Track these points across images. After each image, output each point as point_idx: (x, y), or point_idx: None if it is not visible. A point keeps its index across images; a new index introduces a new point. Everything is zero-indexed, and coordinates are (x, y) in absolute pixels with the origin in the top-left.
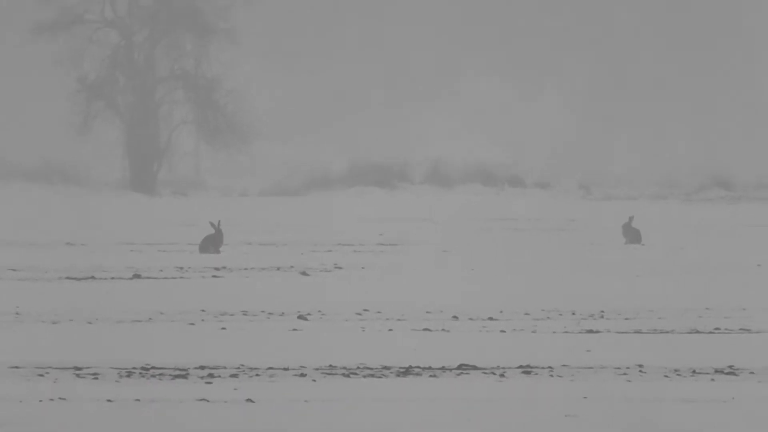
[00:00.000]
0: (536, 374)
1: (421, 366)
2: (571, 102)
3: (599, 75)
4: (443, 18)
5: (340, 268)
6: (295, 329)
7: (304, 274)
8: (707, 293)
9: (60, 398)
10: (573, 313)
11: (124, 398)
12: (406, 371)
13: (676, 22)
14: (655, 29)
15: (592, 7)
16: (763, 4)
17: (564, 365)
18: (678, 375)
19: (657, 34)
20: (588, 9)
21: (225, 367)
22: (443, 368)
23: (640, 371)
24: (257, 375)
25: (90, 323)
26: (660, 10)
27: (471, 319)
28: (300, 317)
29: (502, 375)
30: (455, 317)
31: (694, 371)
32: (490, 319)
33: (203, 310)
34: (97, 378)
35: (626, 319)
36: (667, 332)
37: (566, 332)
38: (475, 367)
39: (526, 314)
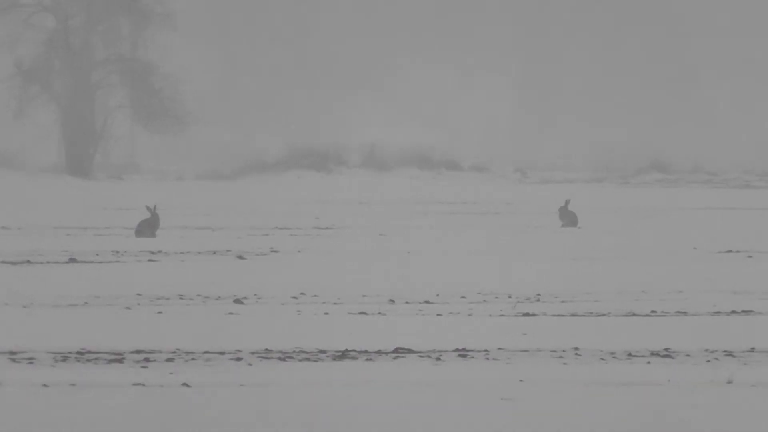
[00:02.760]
0: (472, 357)
1: (357, 349)
2: (507, 87)
3: (535, 60)
4: (379, 4)
5: (277, 251)
6: (231, 313)
7: (240, 257)
8: (644, 276)
9: None
10: (509, 297)
11: (59, 383)
12: (342, 355)
13: (610, 9)
14: (589, 16)
15: None
16: None
17: (500, 348)
18: (614, 358)
19: (592, 21)
20: None
21: (161, 351)
22: (379, 352)
23: (576, 354)
24: (193, 359)
25: (25, 307)
26: None
27: (407, 302)
28: (236, 301)
29: (438, 358)
30: (391, 301)
31: (630, 354)
32: (426, 302)
33: (139, 294)
34: (32, 362)
35: (562, 302)
36: (604, 315)
37: (502, 315)
38: (411, 351)
39: (463, 297)
